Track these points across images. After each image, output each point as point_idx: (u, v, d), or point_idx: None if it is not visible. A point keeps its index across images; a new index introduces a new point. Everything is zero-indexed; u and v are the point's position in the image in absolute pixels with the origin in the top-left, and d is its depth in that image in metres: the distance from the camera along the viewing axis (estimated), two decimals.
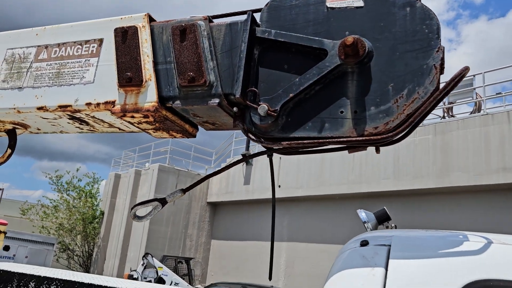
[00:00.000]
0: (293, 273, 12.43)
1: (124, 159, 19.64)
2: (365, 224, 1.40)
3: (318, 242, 12.31)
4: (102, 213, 18.06)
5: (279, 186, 13.13)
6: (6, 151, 1.61)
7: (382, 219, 1.42)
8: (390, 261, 1.04)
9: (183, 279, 12.55)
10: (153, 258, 12.33)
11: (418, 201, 10.50)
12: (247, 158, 1.61)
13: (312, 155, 12.48)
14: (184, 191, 1.38)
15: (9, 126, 1.59)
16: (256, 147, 14.90)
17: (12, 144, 1.60)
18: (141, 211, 1.36)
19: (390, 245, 1.08)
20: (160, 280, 11.87)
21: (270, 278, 1.50)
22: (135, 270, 12.54)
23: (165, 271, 11.83)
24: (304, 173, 12.52)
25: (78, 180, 18.84)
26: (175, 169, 16.03)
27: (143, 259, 12.67)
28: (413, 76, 1.02)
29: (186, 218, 15.77)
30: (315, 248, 12.34)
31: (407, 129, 1.06)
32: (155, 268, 12.03)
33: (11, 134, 1.61)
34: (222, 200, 15.55)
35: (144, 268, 12.27)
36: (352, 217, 10.79)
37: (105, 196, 18.39)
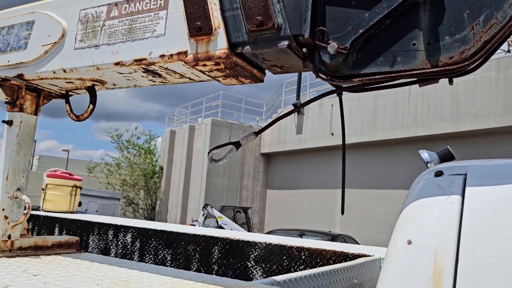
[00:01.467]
0: (349, 219, 12.59)
1: (178, 115, 20.21)
2: (428, 165, 1.40)
3: (373, 188, 12.30)
4: (161, 168, 18.95)
5: (332, 134, 13.07)
6: (89, 107, 1.75)
7: (446, 159, 1.41)
8: (467, 188, 1.06)
9: (242, 227, 13.08)
10: (213, 208, 12.88)
11: (479, 142, 10.11)
12: (298, 108, 1.62)
13: (365, 101, 12.22)
14: (256, 134, 1.45)
15: (89, 83, 1.72)
16: (307, 96, 14.79)
17: (93, 100, 1.74)
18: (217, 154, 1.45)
19: (466, 174, 1.10)
20: (221, 229, 12.43)
21: (342, 213, 1.57)
22: (196, 220, 13.20)
23: (225, 221, 12.36)
24: (357, 120, 12.35)
25: (137, 138, 19.74)
26: (227, 122, 16.32)
27: (203, 210, 13.27)
28: (490, 0, 0.99)
29: (241, 170, 16.21)
30: (369, 194, 12.36)
31: (484, 57, 1.04)
32: (215, 218, 12.59)
33: (91, 91, 1.74)
34: (275, 151, 15.76)
35: (205, 218, 12.87)
36: (408, 162, 10.62)
37: (162, 152, 19.22)
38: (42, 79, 1.70)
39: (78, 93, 1.86)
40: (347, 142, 1.64)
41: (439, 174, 1.13)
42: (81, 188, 5.40)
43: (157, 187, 18.86)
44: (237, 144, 1.44)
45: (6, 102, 1.76)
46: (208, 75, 1.43)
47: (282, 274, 2.11)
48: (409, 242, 1.04)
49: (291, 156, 15.20)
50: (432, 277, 0.97)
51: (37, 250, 1.73)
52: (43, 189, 4.95)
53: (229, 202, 15.70)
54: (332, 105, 13.25)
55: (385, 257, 1.09)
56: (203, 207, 13.54)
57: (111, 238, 3.75)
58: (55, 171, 5.33)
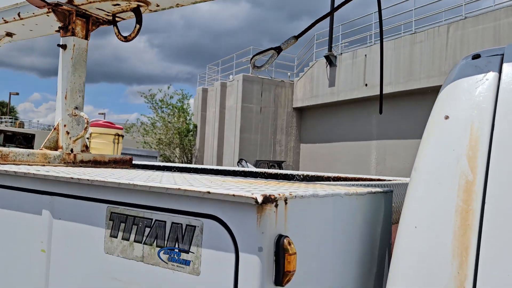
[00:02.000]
0: (384, 170, 12.57)
1: (209, 73, 20.28)
2: None
3: (408, 138, 12.14)
4: (195, 126, 19.31)
5: (366, 85, 12.86)
6: (135, 27, 1.85)
7: None
8: (504, 65, 1.10)
9: None
10: (247, 163, 13.12)
11: None
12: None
13: (401, 49, 11.86)
14: (296, 37, 1.51)
15: (134, 5, 1.81)
16: (339, 48, 14.48)
17: (139, 20, 1.83)
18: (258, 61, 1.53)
19: (503, 54, 1.13)
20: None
21: (380, 112, 1.62)
22: None
23: None
24: (391, 69, 12.07)
25: (170, 98, 20.04)
26: (259, 78, 16.28)
27: (238, 165, 13.54)
28: None
29: (274, 125, 16.29)
30: (405, 144, 12.23)
31: None
32: None
33: (137, 12, 1.83)
34: (308, 105, 15.68)
35: None
36: None
37: (195, 110, 19.50)
38: (90, 2, 1.80)
39: (123, 18, 1.96)
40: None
41: (476, 56, 1.17)
42: (122, 136, 5.64)
43: (191, 144, 19.29)
44: (278, 49, 1.50)
45: (59, 27, 1.89)
46: None
47: None
48: (447, 117, 1.10)
49: (324, 110, 15.11)
50: (469, 143, 1.04)
51: (96, 164, 1.89)
52: (87, 138, 5.21)
53: (263, 157, 15.91)
54: (365, 55, 12.95)
55: (423, 136, 1.15)
56: (238, 162, 13.80)
57: None
58: (98, 121, 5.57)
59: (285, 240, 0.73)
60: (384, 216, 1.11)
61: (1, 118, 37.16)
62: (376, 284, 1.08)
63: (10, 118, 37.63)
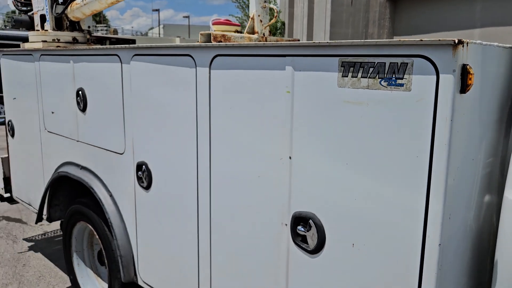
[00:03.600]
0: None
1: None
2: None
3: None
4: (283, 24, 19.37)
5: None
6: None
7: None
8: None
9: None
10: None
11: None
12: None
13: None
14: None
15: None
16: None
17: None
18: None
19: None
20: None
21: None
22: None
23: None
24: None
25: None
26: None
27: None
28: None
29: (366, 18, 15.86)
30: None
31: None
32: None
33: None
34: None
35: None
36: None
37: (282, 7, 19.40)
38: None
39: None
40: None
41: None
42: (241, 33, 6.21)
43: None
44: None
45: None
46: None
47: None
48: None
49: None
50: None
51: None
52: None
53: None
54: None
55: None
56: None
57: None
58: (219, 19, 6.16)
59: (467, 66, 1.26)
60: None
61: (97, 26, 39.41)
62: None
63: (104, 26, 39.98)
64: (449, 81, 1.27)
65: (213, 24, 5.36)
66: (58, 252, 4.55)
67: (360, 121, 1.49)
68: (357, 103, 1.49)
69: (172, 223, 2.40)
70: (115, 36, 21.94)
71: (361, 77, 1.46)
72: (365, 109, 1.47)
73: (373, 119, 1.46)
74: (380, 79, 1.42)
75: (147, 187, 2.51)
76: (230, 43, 2.08)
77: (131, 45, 2.49)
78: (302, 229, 1.73)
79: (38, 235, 4.99)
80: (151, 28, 63.54)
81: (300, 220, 1.74)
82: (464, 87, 1.28)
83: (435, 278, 1.39)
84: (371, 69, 1.43)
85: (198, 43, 2.08)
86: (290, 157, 1.73)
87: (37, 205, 3.83)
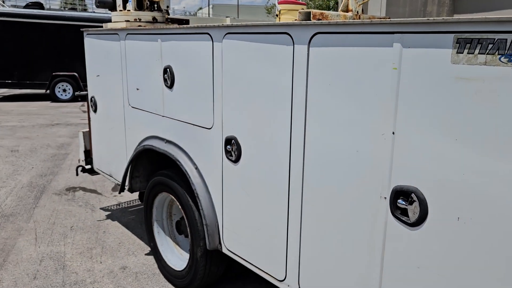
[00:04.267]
0: None
1: None
2: None
3: None
4: (336, 3, 19.02)
5: None
6: None
7: None
8: None
9: None
10: None
11: None
12: None
13: None
14: None
15: None
16: None
17: None
18: None
19: None
20: None
21: None
22: None
23: None
24: None
25: None
26: None
27: None
28: None
29: None
30: None
31: None
32: None
33: None
34: None
35: None
36: None
37: None
38: None
39: None
40: None
41: None
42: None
43: None
44: None
45: None
46: None
47: None
48: None
49: None
50: None
51: None
52: (276, 15, 5.89)
53: None
54: None
55: None
56: None
57: None
58: None
59: None
60: None
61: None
62: None
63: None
64: None
65: (279, 3, 5.40)
66: (133, 221, 4.85)
67: (474, 98, 1.51)
68: (472, 80, 1.51)
69: (260, 195, 2.51)
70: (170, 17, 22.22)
71: (479, 53, 1.48)
72: (481, 86, 1.49)
73: (489, 95, 1.47)
74: (500, 55, 1.43)
75: (236, 161, 2.64)
76: (333, 21, 2.12)
77: (224, 24, 2.59)
78: (403, 203, 1.78)
79: (113, 205, 5.32)
80: (200, 8, 64.03)
81: (401, 194, 1.79)
82: None
83: None
84: (490, 46, 1.45)
85: (297, 21, 2.14)
86: (393, 133, 1.78)
87: (118, 176, 4.10)
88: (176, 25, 3.82)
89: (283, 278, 2.46)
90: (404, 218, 1.80)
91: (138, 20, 3.88)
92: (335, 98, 1.99)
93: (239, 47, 2.48)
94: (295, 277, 2.37)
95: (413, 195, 1.75)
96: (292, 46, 2.14)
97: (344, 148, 2.00)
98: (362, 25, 1.83)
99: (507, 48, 1.41)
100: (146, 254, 4.08)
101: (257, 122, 2.45)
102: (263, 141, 2.43)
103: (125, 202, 5.41)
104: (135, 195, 5.50)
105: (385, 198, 1.86)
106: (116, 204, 5.35)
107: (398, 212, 1.82)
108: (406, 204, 1.78)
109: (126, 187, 3.94)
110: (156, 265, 3.84)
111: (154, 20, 3.99)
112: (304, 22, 2.10)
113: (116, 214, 5.06)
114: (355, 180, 1.98)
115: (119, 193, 4.02)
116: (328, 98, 2.02)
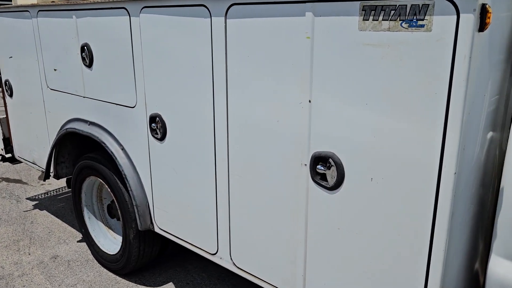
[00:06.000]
0: None
1: None
2: None
3: None
4: None
5: None
6: None
7: None
8: None
9: None
10: None
11: None
12: None
13: None
14: None
15: None
16: None
17: None
18: None
19: None
20: None
21: None
22: None
23: None
24: None
25: None
26: None
27: None
28: None
29: None
30: None
31: None
32: None
33: None
34: None
35: None
36: None
37: None
38: None
39: None
40: None
41: None
42: None
43: None
44: None
45: None
46: None
47: None
48: None
49: None
50: None
51: None
52: None
53: None
54: None
55: None
56: None
57: None
58: None
59: (486, 5, 1.35)
60: None
61: None
62: None
63: None
64: (469, 20, 1.36)
65: None
66: (63, 209, 4.66)
67: (380, 63, 1.58)
68: (377, 45, 1.58)
69: (188, 172, 2.50)
70: None
71: (382, 19, 1.54)
72: (386, 51, 1.56)
73: (394, 60, 1.55)
74: (401, 21, 1.50)
75: (162, 138, 2.59)
76: None
77: None
78: (322, 168, 1.85)
79: (41, 194, 5.07)
80: None
81: (320, 160, 1.86)
82: (482, 26, 1.37)
83: (449, 204, 1.54)
84: (392, 12, 1.51)
85: None
86: (309, 101, 1.83)
87: (42, 163, 3.89)
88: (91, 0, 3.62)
89: (215, 252, 2.49)
90: (323, 183, 1.87)
91: None
92: (254, 70, 2.00)
93: (157, 21, 2.40)
94: (227, 249, 2.40)
95: (330, 160, 1.82)
96: (210, 19, 2.11)
97: (265, 118, 2.03)
98: None
99: (407, 14, 1.48)
100: (78, 241, 3.95)
101: (180, 97, 2.41)
102: (188, 117, 2.40)
103: (53, 190, 5.17)
104: (64, 182, 5.26)
105: (305, 164, 1.92)
106: (44, 193, 5.09)
107: (318, 178, 1.88)
108: (325, 169, 1.85)
109: (51, 174, 3.76)
110: (89, 251, 3.74)
111: None
112: None
113: (44, 203, 4.83)
114: (277, 149, 2.02)
115: (44, 180, 3.82)
116: (248, 70, 2.03)
